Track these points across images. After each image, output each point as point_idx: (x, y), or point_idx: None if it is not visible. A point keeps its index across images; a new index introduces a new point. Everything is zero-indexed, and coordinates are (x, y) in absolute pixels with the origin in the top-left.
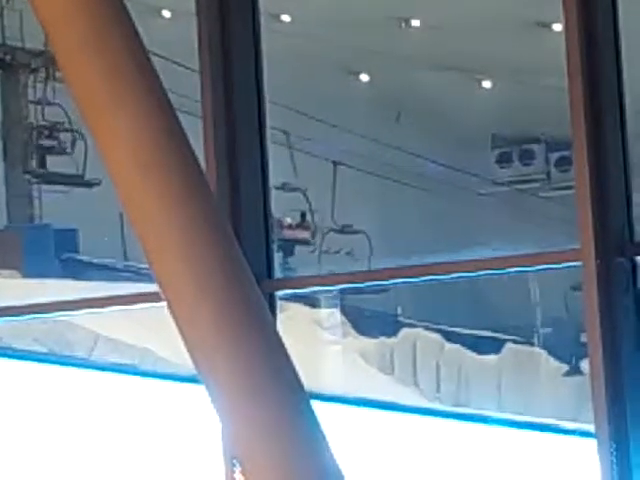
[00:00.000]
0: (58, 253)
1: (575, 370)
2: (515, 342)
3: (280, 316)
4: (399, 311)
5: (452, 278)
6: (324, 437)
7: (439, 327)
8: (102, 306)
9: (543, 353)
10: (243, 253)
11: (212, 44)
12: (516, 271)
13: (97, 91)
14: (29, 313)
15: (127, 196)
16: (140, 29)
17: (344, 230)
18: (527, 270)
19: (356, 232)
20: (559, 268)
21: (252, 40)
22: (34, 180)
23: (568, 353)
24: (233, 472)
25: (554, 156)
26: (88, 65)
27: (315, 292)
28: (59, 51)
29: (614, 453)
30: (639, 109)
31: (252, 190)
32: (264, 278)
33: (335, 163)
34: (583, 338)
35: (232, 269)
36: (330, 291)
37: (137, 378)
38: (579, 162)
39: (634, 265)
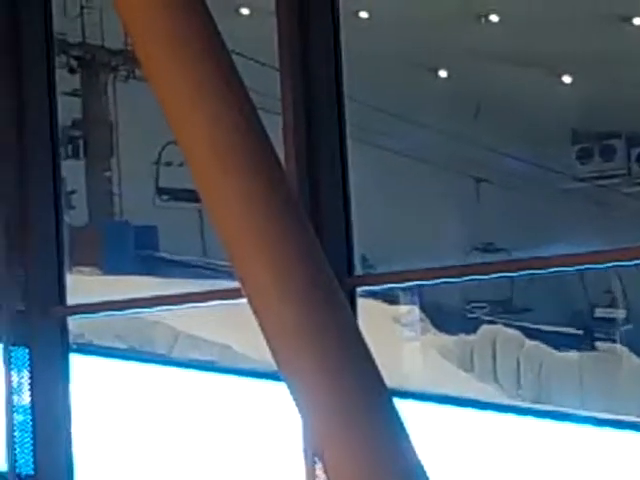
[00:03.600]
0: (138, 250)
1: None
2: (597, 339)
3: (360, 312)
4: (480, 306)
5: (530, 274)
6: (407, 434)
7: (519, 324)
8: (181, 302)
9: (625, 350)
10: (324, 250)
11: (292, 42)
12: (601, 267)
13: (178, 89)
14: (109, 310)
15: (208, 194)
16: (220, 26)
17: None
18: (614, 265)
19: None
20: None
21: (332, 37)
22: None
23: None
24: (314, 469)
25: (635, 151)
26: (169, 63)
27: (393, 289)
28: (140, 49)
29: None
30: None
31: (332, 187)
32: (344, 275)
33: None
34: None
35: (313, 266)
36: (410, 287)
37: (217, 375)
38: None
39: None
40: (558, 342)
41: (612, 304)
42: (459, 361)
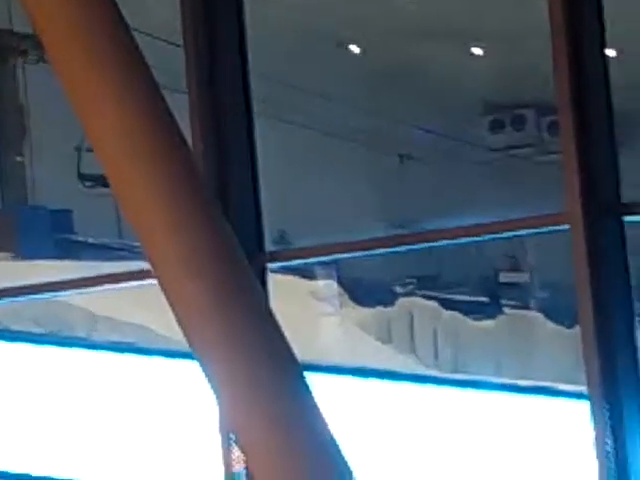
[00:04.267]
0: (53, 234)
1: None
2: (512, 307)
3: (276, 289)
4: (391, 279)
5: (440, 245)
6: (318, 408)
7: (436, 295)
8: (97, 285)
9: (539, 316)
10: (233, 228)
11: (196, 19)
12: (503, 237)
13: (80, 74)
14: (25, 294)
15: (116, 178)
16: (125, 5)
17: None
18: (515, 235)
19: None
20: (547, 232)
21: (236, 15)
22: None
23: (564, 315)
24: (230, 447)
25: (546, 120)
26: (74, 52)
27: (311, 264)
28: (45, 38)
29: (607, 413)
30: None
31: (240, 165)
32: (255, 252)
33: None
34: None
35: (220, 243)
36: (325, 262)
37: (136, 356)
38: (564, 124)
39: (622, 225)
40: (473, 311)
41: (515, 268)
42: (377, 334)
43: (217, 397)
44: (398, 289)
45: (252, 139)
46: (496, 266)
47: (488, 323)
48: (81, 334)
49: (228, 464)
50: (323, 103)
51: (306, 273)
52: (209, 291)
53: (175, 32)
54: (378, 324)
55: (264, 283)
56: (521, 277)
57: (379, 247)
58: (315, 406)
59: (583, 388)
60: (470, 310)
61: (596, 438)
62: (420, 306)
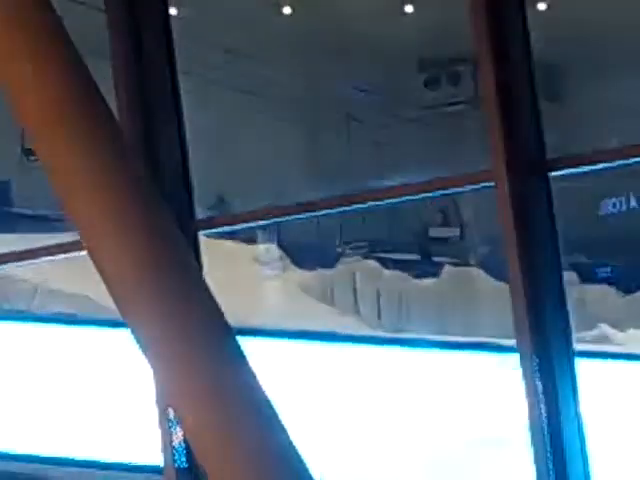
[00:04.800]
0: None
1: None
2: (453, 265)
3: (218, 254)
4: (337, 242)
5: (375, 206)
6: (253, 373)
7: (376, 255)
8: (34, 257)
9: (481, 272)
10: (163, 196)
11: None
12: (432, 196)
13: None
14: None
15: (40, 149)
16: None
17: None
18: (443, 194)
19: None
20: (473, 190)
21: None
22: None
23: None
24: (169, 421)
25: None
26: None
27: (249, 229)
28: None
29: (536, 366)
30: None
31: (168, 133)
32: (186, 219)
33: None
34: None
35: (148, 211)
36: (264, 227)
37: (77, 327)
38: (485, 80)
39: (547, 181)
40: (416, 270)
41: (445, 224)
42: (320, 296)
43: (152, 369)
44: (349, 252)
45: (179, 106)
46: (426, 222)
47: (430, 281)
48: (21, 306)
49: (167, 438)
50: (258, 65)
51: (248, 238)
52: (138, 260)
53: None
54: (321, 286)
55: (197, 249)
56: (451, 232)
57: (310, 210)
58: (250, 372)
59: None
60: (409, 269)
61: (526, 392)
62: (362, 267)
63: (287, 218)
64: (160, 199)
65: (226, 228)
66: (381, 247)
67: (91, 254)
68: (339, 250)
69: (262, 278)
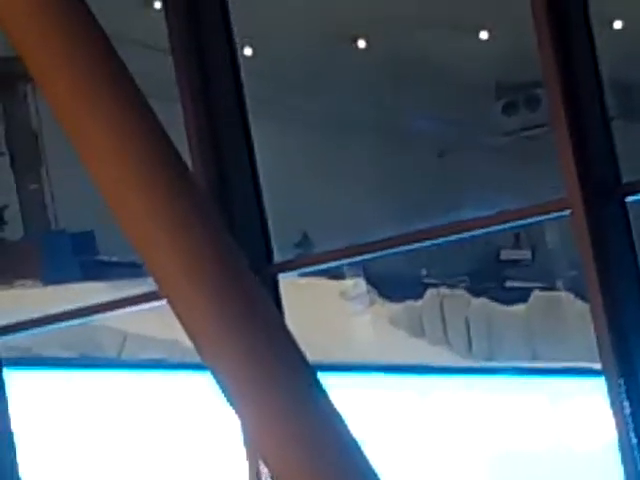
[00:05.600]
0: (77, 257)
1: None
2: (541, 289)
3: (306, 292)
4: (423, 272)
5: (452, 240)
6: (337, 412)
7: (463, 284)
8: (121, 307)
9: (570, 296)
10: (239, 241)
11: (182, 28)
12: (510, 227)
13: (72, 107)
14: (53, 322)
15: (114, 200)
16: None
17: None
18: (520, 225)
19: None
20: (551, 219)
21: (222, 18)
22: None
23: None
24: (258, 463)
25: None
26: (61, 78)
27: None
28: (32, 70)
29: (623, 388)
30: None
31: (241, 175)
32: (264, 263)
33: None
34: None
35: (224, 258)
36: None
37: (167, 372)
38: (554, 105)
39: (624, 206)
40: (504, 296)
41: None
42: (409, 328)
43: (235, 413)
44: (447, 289)
45: (251, 147)
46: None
47: (519, 307)
48: (112, 354)
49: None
50: (336, 101)
51: (335, 274)
52: (216, 307)
53: (162, 38)
54: (409, 318)
55: (277, 293)
56: (523, 254)
57: (390, 247)
58: (335, 412)
59: None
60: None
61: (614, 413)
62: (449, 296)
63: (366, 257)
64: (236, 246)
65: (301, 270)
66: (473, 277)
67: (170, 305)
68: (426, 280)
69: (350, 314)
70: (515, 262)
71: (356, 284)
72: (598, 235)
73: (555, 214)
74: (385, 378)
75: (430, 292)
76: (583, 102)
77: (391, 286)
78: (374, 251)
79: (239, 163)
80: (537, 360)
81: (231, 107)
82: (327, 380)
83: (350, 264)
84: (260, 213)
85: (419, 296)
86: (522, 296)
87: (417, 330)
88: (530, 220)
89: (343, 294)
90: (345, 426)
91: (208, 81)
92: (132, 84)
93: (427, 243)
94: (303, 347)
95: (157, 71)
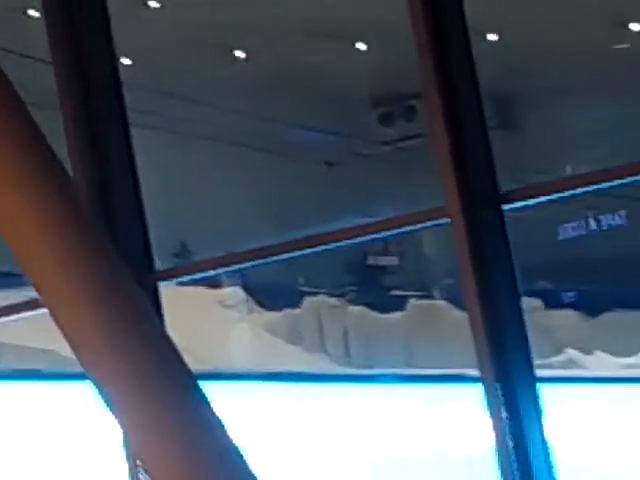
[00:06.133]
0: None
1: None
2: (418, 297)
3: (182, 301)
4: (301, 281)
5: (329, 249)
6: (218, 419)
7: (341, 292)
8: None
9: (446, 305)
10: (120, 249)
11: (62, 37)
12: (389, 235)
13: None
14: None
15: None
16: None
17: None
18: (399, 233)
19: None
20: (428, 227)
21: (104, 32)
22: None
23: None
24: (137, 471)
25: None
26: None
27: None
28: None
29: (500, 394)
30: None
31: (123, 186)
32: (145, 272)
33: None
34: None
35: (105, 266)
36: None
37: (45, 383)
38: (433, 116)
39: (501, 214)
40: (381, 305)
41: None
42: (287, 336)
43: (117, 421)
44: (335, 299)
45: (131, 156)
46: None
47: (396, 315)
48: None
49: None
50: (215, 112)
51: (213, 282)
52: (94, 318)
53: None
54: (287, 327)
55: (157, 301)
56: (391, 260)
57: (266, 255)
58: (215, 418)
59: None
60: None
61: (492, 420)
62: (327, 305)
63: (244, 265)
64: (116, 254)
65: (182, 278)
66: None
67: (50, 314)
68: (303, 289)
69: (228, 322)
70: (382, 268)
71: (233, 292)
72: (477, 243)
73: (434, 222)
74: (263, 385)
75: (308, 300)
76: (462, 112)
77: (269, 295)
78: (252, 259)
79: (120, 172)
80: (414, 367)
81: (112, 117)
82: (206, 388)
83: (229, 273)
84: (141, 222)
85: (297, 305)
86: (400, 304)
87: (295, 338)
88: (410, 228)
89: (221, 302)
90: (225, 432)
91: (88, 90)
92: (7, 86)
93: (305, 252)
94: (182, 355)
95: (38, 79)
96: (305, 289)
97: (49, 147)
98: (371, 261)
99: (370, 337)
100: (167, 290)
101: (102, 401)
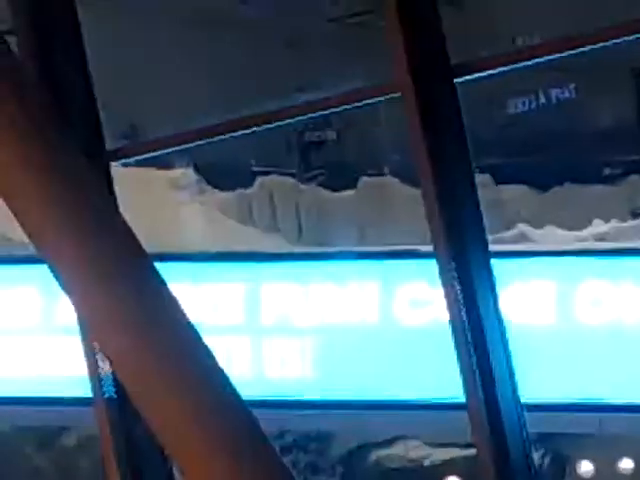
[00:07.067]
0: None
1: None
2: (368, 175)
3: (133, 181)
4: (252, 162)
5: (282, 125)
6: (172, 297)
7: (292, 171)
8: None
9: (395, 181)
10: (72, 130)
11: None
12: (341, 110)
13: None
14: None
15: None
16: None
17: None
18: (353, 107)
19: None
20: (380, 102)
21: None
22: None
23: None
24: (94, 351)
25: None
26: None
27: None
28: None
29: (454, 268)
30: None
31: (71, 65)
32: (96, 150)
33: None
34: None
35: (51, 147)
36: (182, 150)
37: None
38: None
39: (454, 87)
40: (332, 183)
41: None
42: (239, 216)
43: (72, 303)
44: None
45: (79, 35)
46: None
47: (348, 193)
48: None
49: (94, 369)
50: None
51: (163, 163)
52: (44, 197)
53: None
54: (239, 206)
55: (109, 180)
56: (329, 135)
57: (219, 133)
58: (170, 296)
59: None
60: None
61: (446, 296)
62: (279, 184)
63: (193, 144)
64: (65, 132)
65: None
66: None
67: (5, 199)
68: (255, 169)
69: (179, 203)
70: (319, 144)
71: (185, 173)
72: (428, 117)
73: (386, 96)
74: (217, 266)
75: (260, 180)
76: None
77: (221, 175)
78: (200, 138)
79: (68, 51)
80: (367, 245)
81: None
82: (159, 270)
83: (179, 153)
84: (90, 101)
85: (249, 185)
86: (351, 183)
87: (247, 218)
88: (362, 103)
89: (172, 183)
90: (182, 312)
91: None
92: None
93: (256, 128)
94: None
95: None
96: (256, 169)
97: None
98: (308, 137)
99: (322, 215)
100: (117, 171)
101: (55, 279)
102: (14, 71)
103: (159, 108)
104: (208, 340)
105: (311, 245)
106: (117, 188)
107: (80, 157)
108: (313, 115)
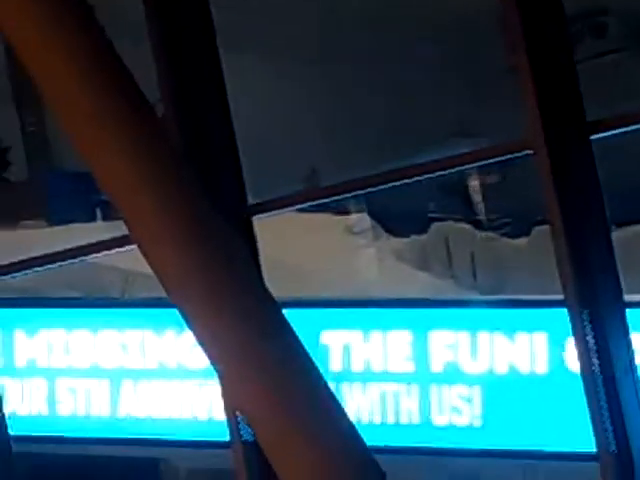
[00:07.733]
0: (82, 197)
1: None
2: (543, 222)
3: (311, 227)
4: (430, 207)
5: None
6: (306, 353)
7: (468, 217)
8: (124, 244)
9: None
10: (215, 185)
11: None
12: (474, 166)
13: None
14: (58, 261)
15: (82, 146)
16: None
17: None
18: (484, 164)
19: None
20: (512, 159)
21: None
22: None
23: None
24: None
25: None
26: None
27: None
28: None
29: (586, 319)
30: None
31: (215, 118)
32: (238, 206)
33: None
34: None
35: (193, 205)
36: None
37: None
38: (518, 45)
39: (589, 145)
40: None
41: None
42: (415, 262)
43: (203, 349)
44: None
45: (222, 85)
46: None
47: (522, 240)
48: (115, 294)
49: (232, 412)
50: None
51: (337, 209)
52: (186, 253)
53: None
54: (414, 253)
55: (251, 234)
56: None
57: (371, 185)
58: (297, 344)
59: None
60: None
61: (577, 345)
62: (454, 230)
63: (335, 197)
64: (202, 190)
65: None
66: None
67: (143, 252)
68: (432, 215)
69: (356, 248)
70: (490, 188)
71: (360, 218)
72: (562, 175)
73: (518, 154)
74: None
75: (435, 226)
76: (547, 41)
77: (396, 221)
78: (338, 193)
79: (211, 103)
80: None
81: (200, 44)
82: (334, 315)
83: (355, 199)
84: (234, 156)
85: (424, 231)
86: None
87: (422, 264)
88: (495, 159)
89: (348, 228)
90: (309, 359)
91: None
92: (91, 25)
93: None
94: (310, 281)
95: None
96: (433, 215)
97: (134, 84)
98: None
99: (498, 262)
100: (294, 217)
101: (189, 328)
102: (156, 128)
103: (337, 153)
104: (377, 386)
105: (486, 292)
106: (292, 232)
107: (218, 217)
108: (450, 171)
